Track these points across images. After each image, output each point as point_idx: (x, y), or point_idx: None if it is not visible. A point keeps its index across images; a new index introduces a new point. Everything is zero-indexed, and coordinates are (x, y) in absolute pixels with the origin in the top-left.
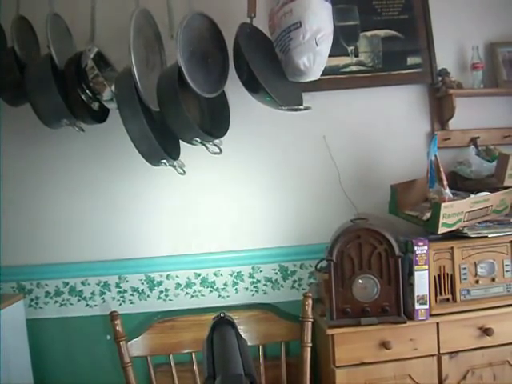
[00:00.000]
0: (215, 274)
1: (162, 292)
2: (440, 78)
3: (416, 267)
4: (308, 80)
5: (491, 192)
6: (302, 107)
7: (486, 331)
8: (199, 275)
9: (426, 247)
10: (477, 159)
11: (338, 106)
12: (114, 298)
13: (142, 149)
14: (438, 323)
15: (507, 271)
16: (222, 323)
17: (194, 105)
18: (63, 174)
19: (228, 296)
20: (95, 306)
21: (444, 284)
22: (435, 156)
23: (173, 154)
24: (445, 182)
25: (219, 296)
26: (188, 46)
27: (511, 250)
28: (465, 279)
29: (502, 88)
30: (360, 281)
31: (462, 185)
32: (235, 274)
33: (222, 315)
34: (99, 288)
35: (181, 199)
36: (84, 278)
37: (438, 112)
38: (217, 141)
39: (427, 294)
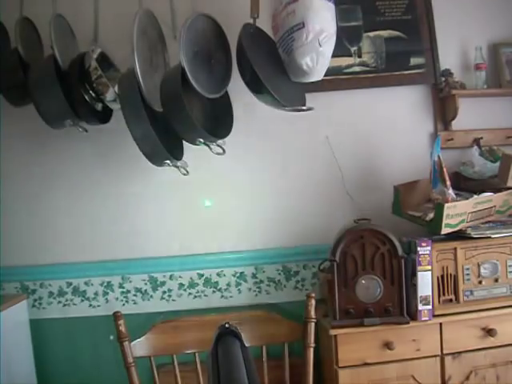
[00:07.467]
0: (218, 275)
1: (165, 292)
2: (443, 79)
3: (419, 268)
4: (311, 80)
5: (494, 192)
6: (304, 108)
7: (490, 332)
8: (202, 275)
9: (429, 248)
10: (480, 160)
11: (341, 106)
12: (117, 299)
13: (145, 149)
14: (441, 324)
15: (510, 272)
16: (226, 334)
17: (197, 105)
18: (66, 173)
19: (231, 296)
20: (98, 306)
21: (447, 284)
22: (438, 156)
23: (176, 154)
24: (448, 183)
25: (222, 296)
26: (191, 47)
27: None
28: (468, 280)
29: (505, 88)
30: (363, 281)
31: (465, 185)
32: (238, 274)
33: (227, 326)
34: (102, 288)
35: (184, 200)
36: (87, 278)
37: (441, 112)
38: (220, 141)
39: (430, 294)
